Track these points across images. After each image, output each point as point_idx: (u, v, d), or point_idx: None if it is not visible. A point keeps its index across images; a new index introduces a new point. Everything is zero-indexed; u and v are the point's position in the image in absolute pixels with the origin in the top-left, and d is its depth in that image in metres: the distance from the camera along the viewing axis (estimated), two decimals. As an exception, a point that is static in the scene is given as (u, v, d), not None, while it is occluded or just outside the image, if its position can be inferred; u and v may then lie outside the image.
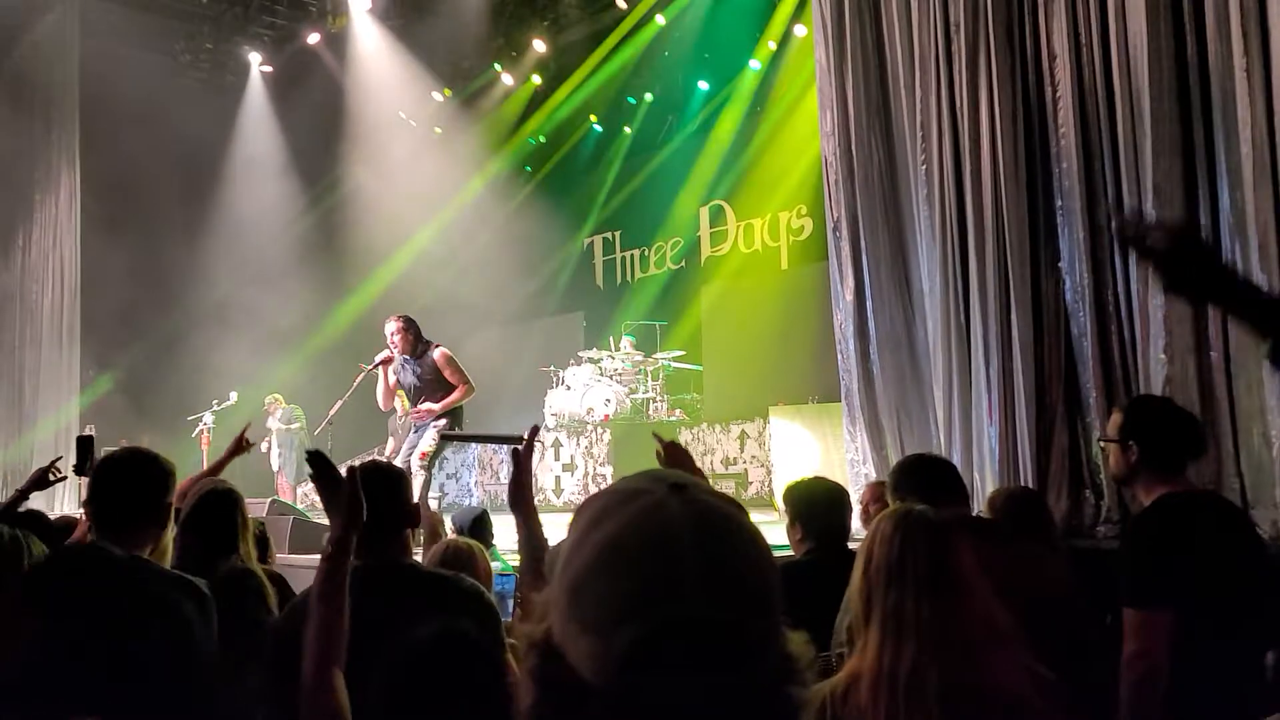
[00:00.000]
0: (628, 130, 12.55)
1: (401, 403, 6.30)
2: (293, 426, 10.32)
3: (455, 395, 6.14)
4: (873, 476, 5.47)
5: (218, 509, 2.59)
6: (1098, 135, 4.72)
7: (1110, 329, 4.71)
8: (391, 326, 6.18)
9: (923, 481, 2.62)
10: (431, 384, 6.15)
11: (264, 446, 10.39)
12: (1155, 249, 1.44)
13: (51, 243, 9.79)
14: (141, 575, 2.00)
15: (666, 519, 0.75)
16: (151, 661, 1.90)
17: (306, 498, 9.85)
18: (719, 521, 0.77)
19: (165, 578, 2.05)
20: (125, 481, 2.11)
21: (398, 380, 6.20)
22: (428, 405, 6.12)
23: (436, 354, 6.16)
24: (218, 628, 2.01)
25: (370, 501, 1.62)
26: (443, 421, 6.09)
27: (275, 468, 10.38)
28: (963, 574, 1.63)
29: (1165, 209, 4.41)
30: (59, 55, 9.26)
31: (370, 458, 5.37)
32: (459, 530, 3.80)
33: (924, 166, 5.37)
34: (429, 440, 6.02)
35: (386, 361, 6.16)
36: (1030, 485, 4.64)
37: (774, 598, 0.77)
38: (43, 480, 3.47)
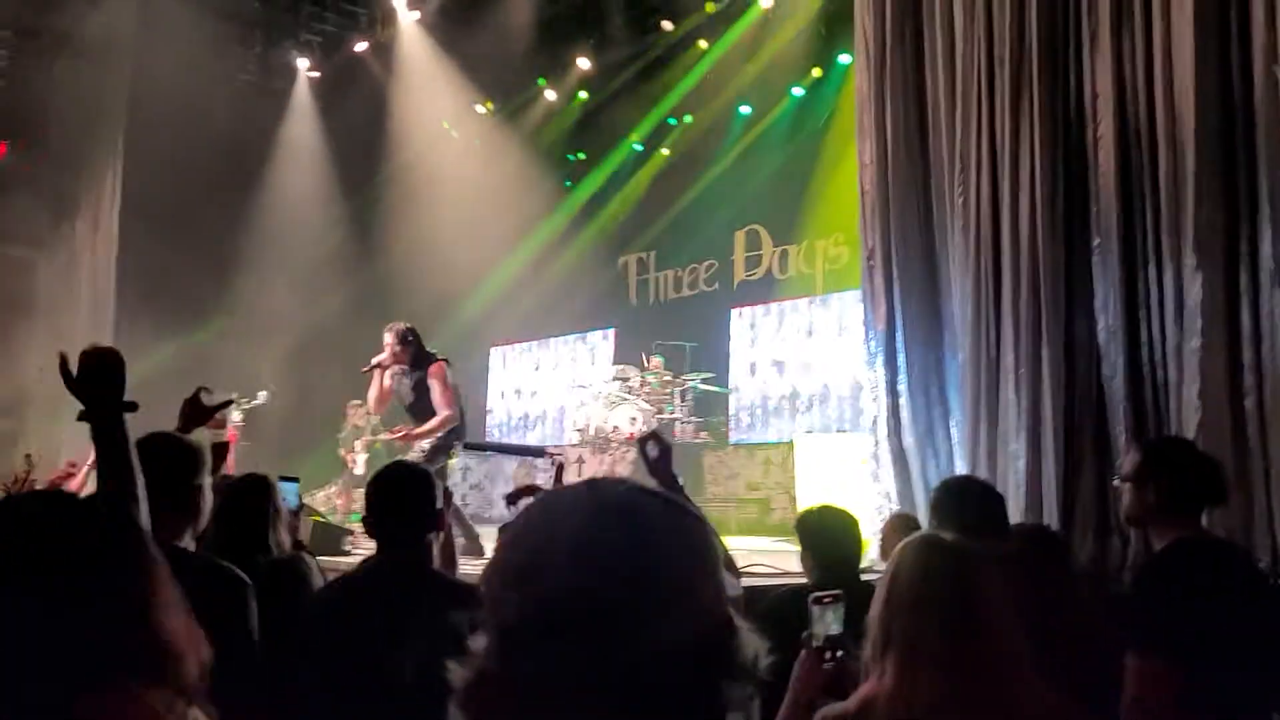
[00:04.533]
0: (667, 151, 12.60)
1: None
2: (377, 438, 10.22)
3: (432, 424, 5.93)
4: (896, 507, 5.43)
5: (249, 498, 2.59)
6: (1138, 177, 4.69)
7: (1143, 371, 4.66)
8: (388, 337, 6.03)
9: (967, 507, 2.59)
10: (422, 399, 6.01)
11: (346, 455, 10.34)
12: None
13: (91, 239, 9.96)
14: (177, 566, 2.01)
15: (563, 506, 0.78)
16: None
17: (329, 500, 9.91)
18: (613, 508, 0.77)
19: (199, 566, 2.06)
20: (150, 465, 2.10)
21: (393, 385, 6.08)
22: (404, 430, 6.01)
23: (432, 367, 5.98)
24: (273, 613, 2.01)
25: (395, 501, 1.66)
26: (427, 443, 5.98)
27: (358, 473, 10.27)
28: (986, 606, 1.61)
29: (1204, 257, 4.37)
30: (111, 54, 9.45)
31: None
32: None
33: (961, 199, 5.36)
34: (415, 455, 5.89)
35: (382, 366, 6.05)
36: (1056, 526, 4.59)
37: (656, 581, 0.74)
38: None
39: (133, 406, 1.78)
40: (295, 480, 3.07)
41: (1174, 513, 2.28)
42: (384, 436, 5.97)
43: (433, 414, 5.98)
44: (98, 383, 1.74)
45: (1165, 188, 4.52)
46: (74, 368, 1.78)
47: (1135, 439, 4.38)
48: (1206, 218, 4.37)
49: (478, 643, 0.76)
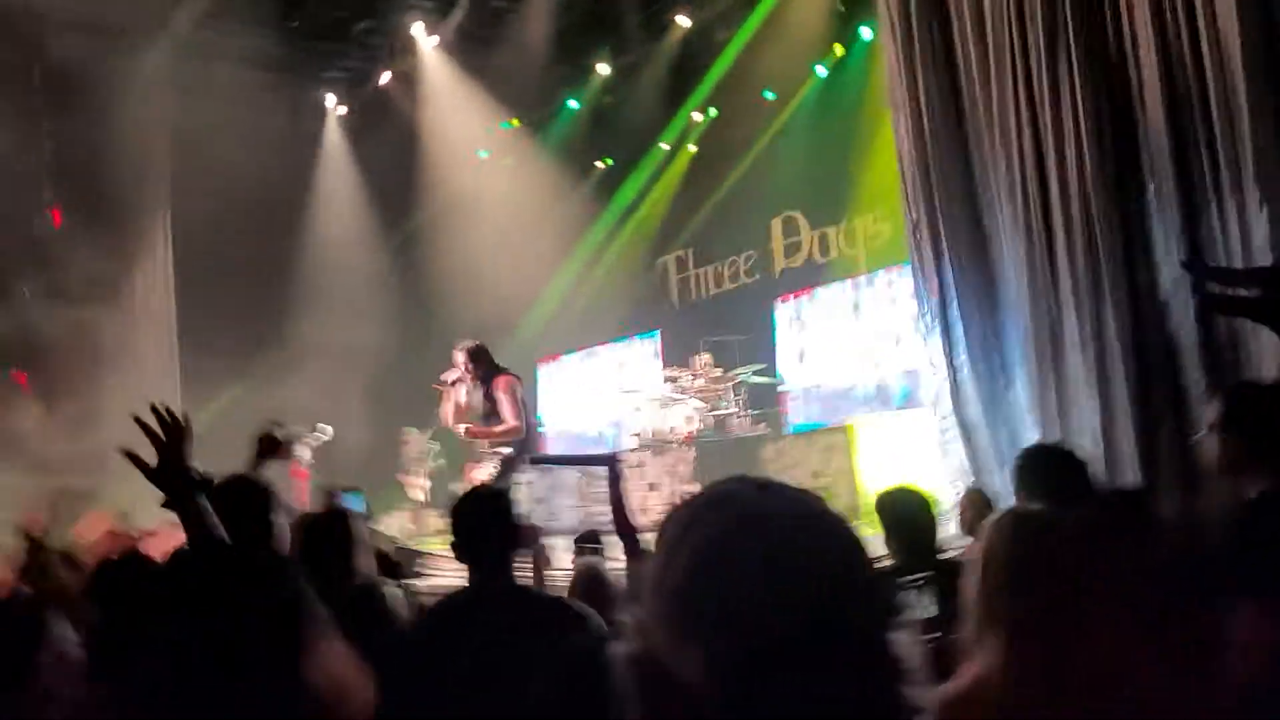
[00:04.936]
0: (695, 148, 12.56)
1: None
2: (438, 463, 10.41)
3: (498, 429, 6.13)
4: (967, 480, 5.34)
5: (328, 532, 2.60)
6: (1188, 118, 4.55)
7: (1213, 316, 4.52)
8: (460, 356, 6.29)
9: (1050, 476, 2.55)
10: (492, 411, 6.21)
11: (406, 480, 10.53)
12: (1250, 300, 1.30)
13: (150, 292, 10.23)
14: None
15: (764, 519, 0.73)
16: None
17: (399, 526, 10.00)
18: (818, 520, 0.75)
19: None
20: (225, 507, 2.12)
21: (469, 401, 6.31)
22: (482, 428, 6.19)
23: (499, 379, 6.23)
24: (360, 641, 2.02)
25: (478, 525, 1.67)
26: (506, 451, 6.13)
27: (421, 499, 10.48)
28: (1086, 578, 1.57)
29: (1267, 192, 4.21)
30: (149, 111, 9.70)
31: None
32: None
33: (1004, 161, 5.26)
34: (487, 471, 6.08)
35: (458, 381, 6.29)
36: (1136, 485, 4.47)
37: (883, 597, 0.75)
38: None
39: (206, 485, 1.82)
40: (358, 490, 3.11)
41: (1264, 459, 2.20)
42: (495, 463, 6.15)
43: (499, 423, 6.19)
44: (170, 470, 1.76)
45: (1219, 125, 4.38)
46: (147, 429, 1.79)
47: (1216, 387, 4.25)
48: (1266, 151, 4.22)
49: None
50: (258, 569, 1.15)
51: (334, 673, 1.09)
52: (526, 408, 6.38)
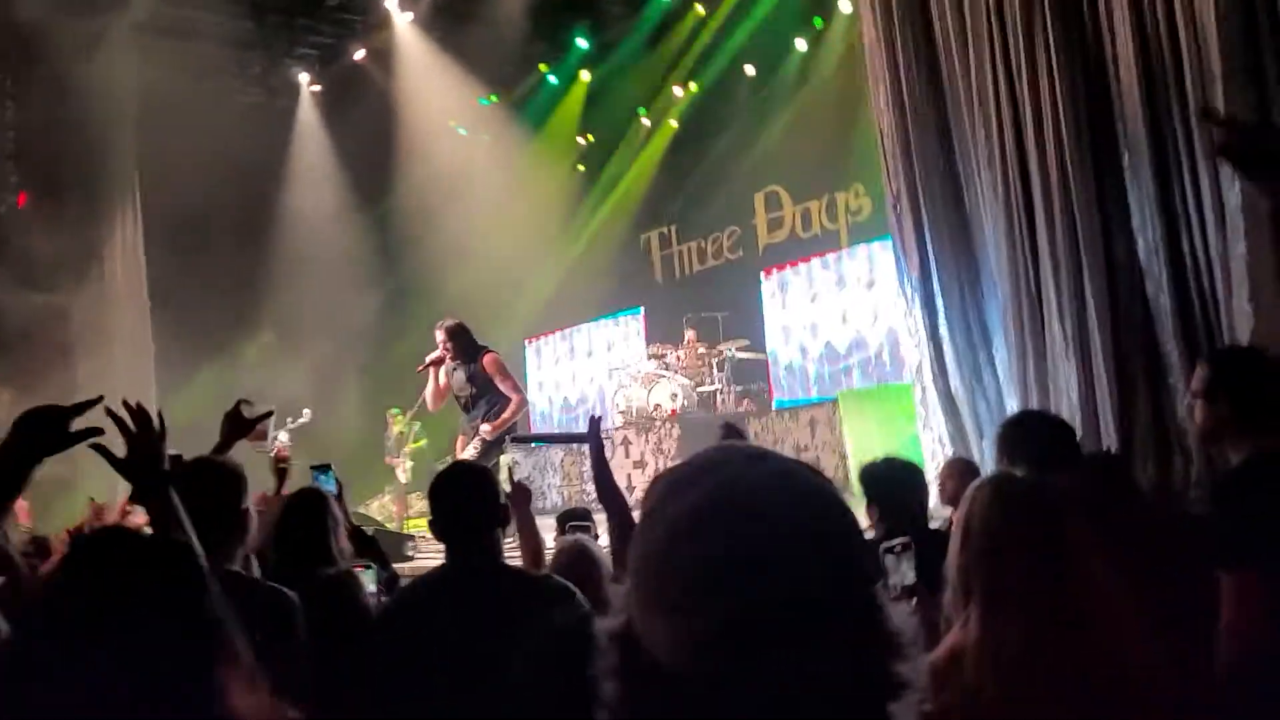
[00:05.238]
0: (676, 124, 12.48)
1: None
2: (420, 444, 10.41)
3: (509, 411, 6.14)
4: (949, 452, 5.37)
5: (305, 513, 2.58)
6: (1163, 87, 4.55)
7: (1188, 283, 4.55)
8: (440, 335, 6.25)
9: (1035, 442, 2.53)
10: (481, 389, 6.20)
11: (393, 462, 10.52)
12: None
13: (120, 278, 10.10)
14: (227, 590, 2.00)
15: (749, 489, 0.69)
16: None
17: (384, 509, 9.99)
18: (806, 491, 0.71)
19: (247, 589, 2.04)
20: (196, 491, 2.07)
21: (449, 382, 6.27)
22: (485, 425, 6.15)
23: (486, 360, 6.19)
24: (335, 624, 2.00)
25: (457, 502, 1.64)
26: (485, 427, 6.10)
27: (402, 480, 10.49)
28: (1070, 543, 1.56)
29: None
30: (114, 90, 9.52)
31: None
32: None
33: (983, 134, 5.25)
34: (470, 450, 6.05)
35: (437, 362, 6.25)
36: (1115, 451, 4.51)
37: (869, 570, 0.72)
38: None
39: (177, 477, 1.77)
40: (328, 467, 3.07)
41: (1249, 424, 2.21)
42: (477, 440, 6.10)
43: (488, 405, 6.15)
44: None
45: (1192, 93, 4.39)
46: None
47: (1196, 354, 4.28)
48: (1238, 117, 4.22)
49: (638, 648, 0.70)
50: (174, 581, 1.11)
51: (246, 703, 1.06)
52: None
